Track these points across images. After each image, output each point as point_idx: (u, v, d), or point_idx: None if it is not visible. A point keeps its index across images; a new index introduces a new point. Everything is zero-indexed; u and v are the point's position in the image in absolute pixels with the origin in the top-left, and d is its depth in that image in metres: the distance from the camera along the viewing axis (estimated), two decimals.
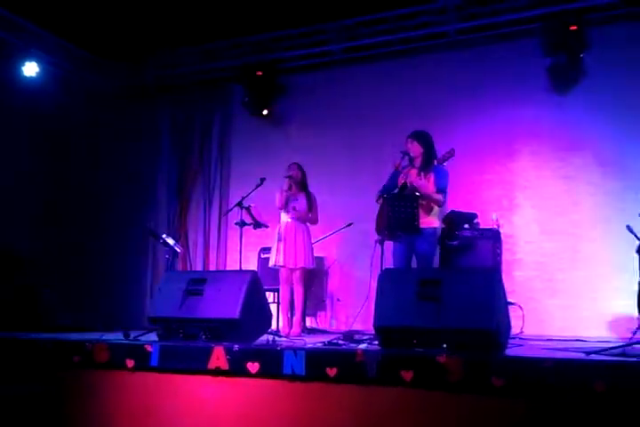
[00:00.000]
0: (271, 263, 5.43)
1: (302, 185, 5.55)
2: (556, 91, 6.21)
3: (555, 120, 6.18)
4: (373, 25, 6.77)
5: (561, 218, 6.02)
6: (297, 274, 5.34)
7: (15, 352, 4.17)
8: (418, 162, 4.92)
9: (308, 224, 5.51)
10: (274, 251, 5.41)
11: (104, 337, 4.02)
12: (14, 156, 7.10)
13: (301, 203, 5.45)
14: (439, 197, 4.76)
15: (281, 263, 5.32)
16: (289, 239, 5.33)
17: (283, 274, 5.39)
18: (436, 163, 4.78)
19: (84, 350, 3.89)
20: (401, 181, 4.91)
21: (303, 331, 5.56)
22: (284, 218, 5.44)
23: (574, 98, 6.13)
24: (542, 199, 6.14)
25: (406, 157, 4.94)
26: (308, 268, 5.41)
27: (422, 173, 4.76)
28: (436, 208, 4.85)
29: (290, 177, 5.46)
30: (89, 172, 7.87)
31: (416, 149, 4.90)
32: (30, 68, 6.65)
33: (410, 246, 4.79)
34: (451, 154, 4.72)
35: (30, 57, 6.67)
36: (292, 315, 5.51)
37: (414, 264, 4.92)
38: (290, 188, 5.50)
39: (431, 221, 4.79)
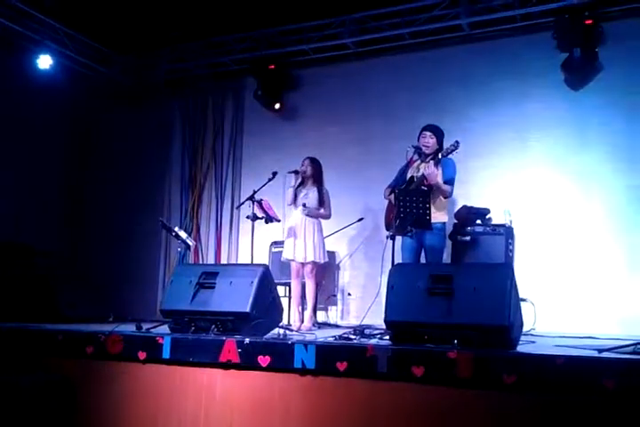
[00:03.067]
0: (283, 257, 5.45)
1: (315, 180, 5.45)
2: (570, 86, 6.16)
3: (569, 115, 6.12)
4: (385, 18, 6.72)
5: (574, 214, 5.98)
6: (308, 268, 5.33)
7: (28, 343, 4.23)
8: (429, 157, 4.93)
9: (321, 219, 5.50)
10: (286, 245, 5.42)
11: (117, 329, 4.05)
12: (31, 149, 7.18)
13: (312, 198, 5.39)
14: (447, 187, 4.83)
15: (292, 257, 5.32)
16: (300, 234, 5.32)
17: (294, 268, 5.39)
18: (440, 156, 4.82)
19: (97, 342, 3.93)
20: (409, 175, 4.94)
21: (314, 325, 5.58)
22: (296, 213, 5.43)
23: (589, 93, 6.07)
24: (555, 195, 6.09)
25: (416, 152, 4.97)
26: (319, 262, 5.40)
27: (432, 161, 4.84)
28: (444, 202, 4.93)
29: (296, 172, 5.41)
30: (102, 166, 7.94)
31: (432, 143, 4.93)
32: (44, 61, 6.69)
33: (419, 241, 4.85)
34: (455, 146, 4.76)
35: (44, 50, 6.70)
36: (303, 309, 5.52)
37: (423, 259, 4.96)
38: (302, 182, 5.48)
39: (439, 215, 4.84)
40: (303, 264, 5.33)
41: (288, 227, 5.44)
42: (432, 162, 4.81)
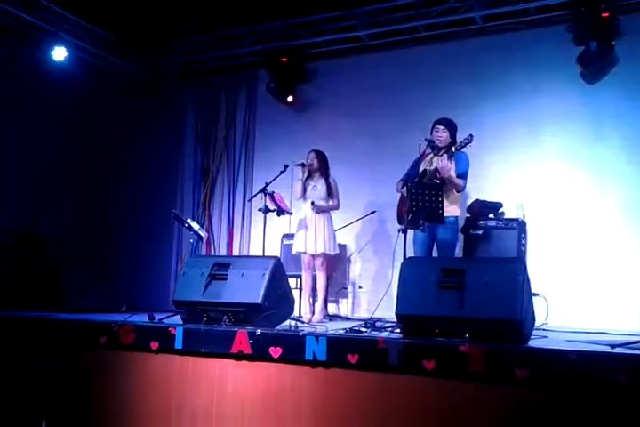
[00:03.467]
0: (294, 251, 5.47)
1: (322, 172, 5.49)
2: (585, 79, 6.09)
3: (583, 109, 6.06)
4: (399, 11, 6.69)
5: (587, 208, 5.94)
6: (319, 260, 5.36)
7: (41, 332, 4.27)
8: (442, 151, 4.91)
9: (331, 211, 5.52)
10: (296, 238, 5.44)
11: (130, 319, 4.08)
12: (45, 140, 7.23)
13: (320, 190, 5.43)
14: (459, 181, 4.80)
15: (303, 250, 5.35)
16: (311, 226, 5.35)
17: (305, 260, 5.41)
18: (454, 149, 4.80)
19: (110, 332, 3.97)
20: (422, 168, 4.93)
21: (325, 317, 5.60)
22: (305, 206, 5.45)
23: (604, 87, 6.01)
24: (569, 189, 6.05)
25: (429, 145, 4.95)
26: (330, 254, 5.42)
27: (445, 155, 4.80)
28: (456, 196, 4.90)
29: (302, 165, 5.43)
30: (116, 157, 7.99)
31: (445, 137, 4.91)
32: (59, 53, 6.72)
33: (431, 235, 4.84)
34: (469, 140, 4.73)
35: (59, 41, 6.73)
36: (314, 301, 5.55)
37: (435, 253, 4.95)
38: (309, 175, 5.49)
39: (452, 209, 4.82)
40: (314, 256, 5.35)
41: (298, 220, 5.47)
42: (445, 155, 4.79)
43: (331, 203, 5.46)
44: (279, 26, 7.22)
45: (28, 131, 7.08)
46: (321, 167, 5.48)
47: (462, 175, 4.84)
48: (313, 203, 5.36)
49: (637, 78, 5.81)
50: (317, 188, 5.44)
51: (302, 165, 5.43)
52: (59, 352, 4.16)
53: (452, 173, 4.75)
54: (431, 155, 5.00)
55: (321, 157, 5.51)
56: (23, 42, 6.89)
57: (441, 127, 4.95)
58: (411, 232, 4.74)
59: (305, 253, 5.36)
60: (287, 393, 3.45)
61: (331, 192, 5.44)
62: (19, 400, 3.80)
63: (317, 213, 5.38)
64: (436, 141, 4.93)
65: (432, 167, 4.85)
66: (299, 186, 5.44)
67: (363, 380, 3.29)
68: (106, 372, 4.00)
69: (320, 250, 5.31)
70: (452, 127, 4.97)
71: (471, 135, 4.72)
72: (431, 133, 5.00)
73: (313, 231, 5.33)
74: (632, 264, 5.65)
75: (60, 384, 3.96)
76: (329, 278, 5.67)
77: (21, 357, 4.19)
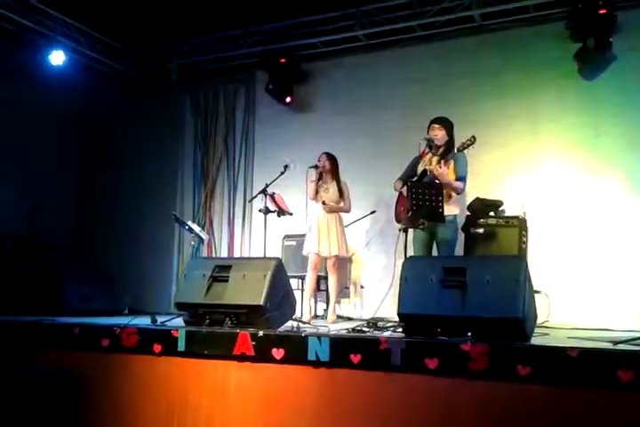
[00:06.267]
0: (305, 251, 5.47)
1: (333, 174, 5.56)
2: (583, 76, 6.09)
3: (581, 106, 6.07)
4: (396, 10, 6.69)
5: (589, 207, 5.93)
6: (331, 262, 5.41)
7: (43, 337, 4.27)
8: (440, 149, 4.90)
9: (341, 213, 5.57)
10: (308, 239, 5.45)
11: (132, 322, 4.08)
12: (44, 144, 7.24)
13: (332, 192, 5.50)
14: (458, 184, 4.78)
15: (316, 251, 5.36)
16: (323, 228, 5.39)
17: (313, 261, 5.41)
18: (455, 150, 4.77)
19: (112, 335, 3.96)
20: (421, 168, 4.91)
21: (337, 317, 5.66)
22: (318, 207, 5.48)
23: (602, 83, 6.01)
24: (569, 187, 6.05)
25: (428, 144, 4.93)
26: (346, 256, 5.47)
27: (442, 161, 4.76)
28: (455, 195, 4.85)
29: (316, 167, 5.48)
30: (115, 160, 7.99)
31: (442, 135, 4.89)
32: (57, 57, 6.73)
33: (431, 234, 4.83)
34: (472, 141, 4.69)
35: (57, 45, 6.74)
36: (315, 301, 5.56)
37: (435, 252, 4.94)
38: (320, 177, 5.51)
39: (451, 208, 4.80)
40: (325, 258, 5.38)
41: (311, 221, 5.47)
42: (444, 162, 4.74)
43: (342, 205, 5.52)
44: (277, 27, 7.23)
45: (27, 135, 7.08)
46: (332, 170, 5.56)
47: (461, 178, 4.81)
48: (324, 202, 5.44)
49: (635, 74, 5.82)
50: (329, 190, 5.52)
51: (315, 166, 5.49)
52: (61, 356, 4.15)
53: (450, 178, 4.72)
54: (430, 154, 4.99)
55: (332, 159, 5.60)
56: (21, 46, 6.90)
57: (436, 126, 4.94)
58: (411, 231, 4.74)
59: (318, 253, 5.38)
60: (290, 394, 3.45)
61: (342, 194, 5.52)
62: (19, 408, 3.78)
63: (329, 213, 5.44)
64: (434, 140, 4.92)
65: (431, 167, 4.82)
66: (312, 187, 5.47)
67: (366, 380, 3.29)
68: (108, 375, 4.00)
69: (334, 252, 5.38)
70: (447, 125, 4.95)
71: (474, 137, 4.69)
72: (427, 132, 4.98)
73: (325, 233, 5.40)
74: (634, 261, 5.64)
75: (62, 390, 3.95)
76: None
77: (22, 363, 4.18)
